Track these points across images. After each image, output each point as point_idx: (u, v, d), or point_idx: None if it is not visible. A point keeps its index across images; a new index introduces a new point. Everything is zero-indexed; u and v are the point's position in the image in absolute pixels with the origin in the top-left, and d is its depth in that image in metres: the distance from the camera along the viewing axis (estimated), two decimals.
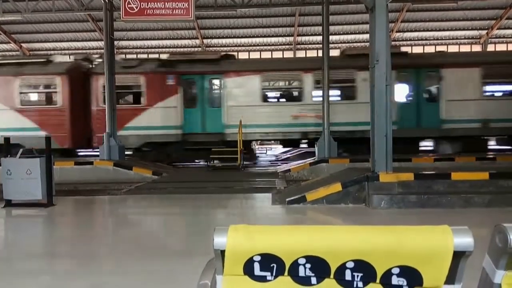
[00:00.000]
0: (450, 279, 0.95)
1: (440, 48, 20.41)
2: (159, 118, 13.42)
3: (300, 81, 13.65)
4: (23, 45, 22.04)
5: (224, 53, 15.72)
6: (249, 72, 13.62)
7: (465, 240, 0.92)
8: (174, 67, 13.61)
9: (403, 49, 17.37)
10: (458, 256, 0.93)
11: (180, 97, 13.51)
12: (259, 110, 13.44)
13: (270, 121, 13.36)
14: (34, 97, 14.69)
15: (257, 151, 15.77)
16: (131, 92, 14.10)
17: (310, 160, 11.71)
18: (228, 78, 13.56)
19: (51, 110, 13.54)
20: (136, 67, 13.67)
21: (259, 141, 15.01)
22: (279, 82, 14.39)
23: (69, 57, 18.42)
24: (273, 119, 13.36)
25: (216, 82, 13.86)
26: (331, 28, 15.34)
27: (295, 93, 14.04)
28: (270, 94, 14.43)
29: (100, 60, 14.48)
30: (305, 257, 0.95)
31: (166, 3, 9.63)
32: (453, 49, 20.61)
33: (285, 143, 14.98)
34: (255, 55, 21.65)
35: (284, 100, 14.43)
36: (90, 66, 14.44)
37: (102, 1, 11.82)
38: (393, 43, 19.74)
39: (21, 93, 13.70)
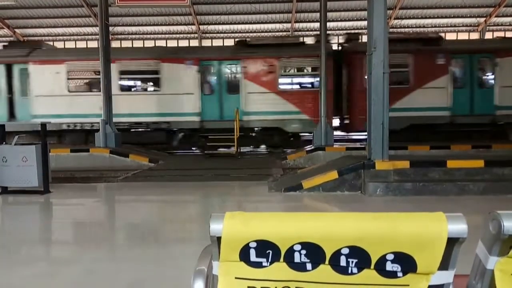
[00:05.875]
0: (443, 265, 0.96)
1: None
2: None
3: None
4: (17, 30, 21.74)
5: None
6: None
7: (459, 227, 0.93)
8: None
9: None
10: (452, 242, 0.94)
11: None
12: None
13: None
14: None
15: None
16: None
17: (306, 148, 11.73)
18: None
19: None
20: None
21: None
22: None
23: None
24: None
25: None
26: (329, 14, 15.24)
27: None
28: None
29: None
30: (301, 243, 0.96)
31: None
32: (451, 36, 20.50)
33: None
34: None
35: None
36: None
37: None
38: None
39: None
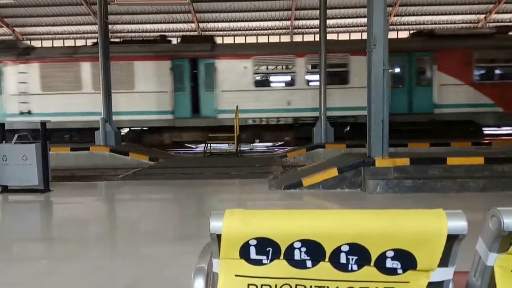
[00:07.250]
0: (443, 262, 0.96)
1: None
2: None
3: None
4: (16, 29, 21.69)
5: None
6: None
7: (459, 224, 0.93)
8: None
9: (401, 33, 17.01)
10: (452, 239, 0.94)
11: None
12: None
13: None
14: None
15: None
16: None
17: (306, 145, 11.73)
18: None
19: None
20: None
21: None
22: None
23: None
24: None
25: None
26: (329, 12, 15.20)
27: None
28: None
29: None
30: (301, 241, 0.96)
31: None
32: None
33: None
34: (251, 40, 21.42)
35: None
36: None
37: None
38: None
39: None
